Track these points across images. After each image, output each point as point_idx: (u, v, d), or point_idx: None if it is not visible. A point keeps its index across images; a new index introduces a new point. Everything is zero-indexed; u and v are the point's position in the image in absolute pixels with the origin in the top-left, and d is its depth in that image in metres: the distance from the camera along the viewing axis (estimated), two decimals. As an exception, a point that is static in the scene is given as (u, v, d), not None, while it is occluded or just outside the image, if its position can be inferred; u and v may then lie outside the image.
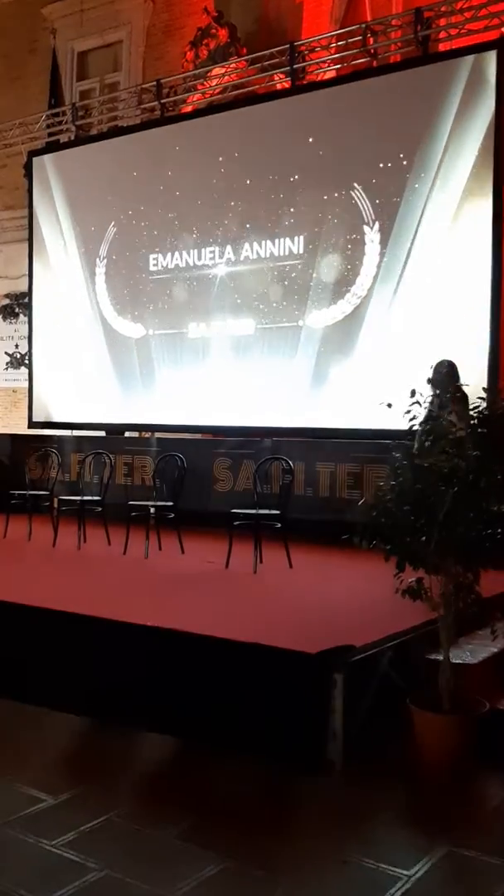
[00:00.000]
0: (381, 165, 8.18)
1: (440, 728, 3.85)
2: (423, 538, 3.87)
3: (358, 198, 8.35)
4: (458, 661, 4.24)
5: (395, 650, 4.43)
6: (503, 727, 3.96)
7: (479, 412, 3.93)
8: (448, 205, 7.84)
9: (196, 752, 4.06)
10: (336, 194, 8.49)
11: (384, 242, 8.21)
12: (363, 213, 8.32)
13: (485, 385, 4.90)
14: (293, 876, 3.00)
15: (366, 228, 8.31)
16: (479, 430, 3.86)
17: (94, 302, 10.47)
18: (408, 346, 7.94)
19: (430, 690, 4.08)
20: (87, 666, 4.60)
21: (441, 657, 3.97)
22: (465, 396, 5.50)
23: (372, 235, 8.28)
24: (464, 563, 3.84)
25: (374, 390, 7.63)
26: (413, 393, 4.05)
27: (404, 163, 8.06)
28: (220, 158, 9.32)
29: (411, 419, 4.05)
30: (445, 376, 6.01)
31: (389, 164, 8.14)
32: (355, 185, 8.35)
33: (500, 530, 3.88)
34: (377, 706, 4.18)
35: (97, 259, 10.44)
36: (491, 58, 7.59)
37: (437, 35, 8.39)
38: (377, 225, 8.24)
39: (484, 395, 3.99)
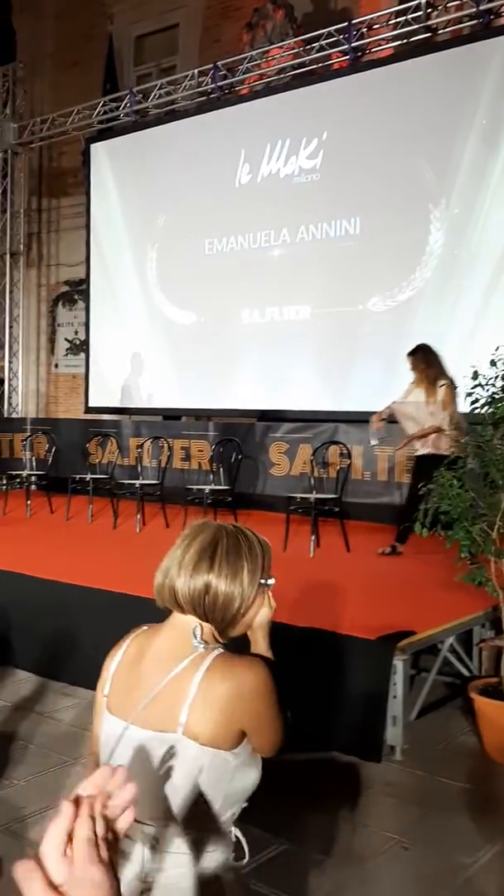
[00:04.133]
0: (445, 142, 8.03)
1: (502, 715, 3.79)
2: (486, 524, 3.82)
3: (424, 176, 8.20)
4: (520, 648, 4.18)
5: (456, 636, 4.39)
6: None
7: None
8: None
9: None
10: (399, 174, 8.36)
11: (450, 220, 8.06)
12: (430, 191, 8.18)
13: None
14: (353, 861, 2.99)
15: (430, 206, 8.17)
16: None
17: (148, 288, 10.50)
18: (470, 328, 7.80)
19: (491, 677, 4.04)
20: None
21: (503, 644, 3.91)
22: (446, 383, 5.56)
23: (437, 213, 8.13)
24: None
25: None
26: (475, 375, 3.97)
27: (469, 140, 7.89)
28: (277, 139, 9.26)
29: (473, 402, 3.98)
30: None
31: (453, 142, 7.98)
32: (421, 162, 8.21)
33: None
34: (438, 692, 4.15)
35: (152, 244, 10.46)
36: None
37: (500, 8, 8.17)
38: (444, 202, 8.09)
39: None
